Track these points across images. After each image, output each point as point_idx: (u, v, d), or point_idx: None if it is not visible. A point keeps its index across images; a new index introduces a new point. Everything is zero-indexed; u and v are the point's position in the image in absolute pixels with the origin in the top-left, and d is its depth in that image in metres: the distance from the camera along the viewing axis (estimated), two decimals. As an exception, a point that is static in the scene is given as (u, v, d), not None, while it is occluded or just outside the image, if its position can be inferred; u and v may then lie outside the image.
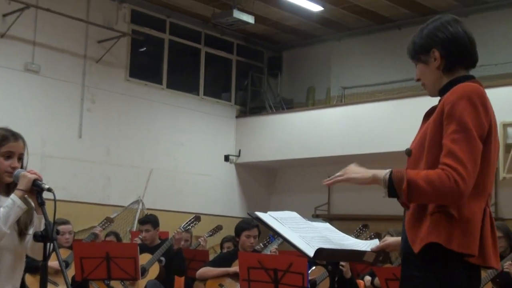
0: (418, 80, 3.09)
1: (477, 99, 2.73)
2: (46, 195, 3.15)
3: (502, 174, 11.93)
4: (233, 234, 7.47)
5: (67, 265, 6.96)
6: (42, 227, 3.10)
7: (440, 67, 2.93)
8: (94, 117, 15.92)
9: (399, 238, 3.13)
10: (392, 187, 2.73)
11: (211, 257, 8.56)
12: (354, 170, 2.91)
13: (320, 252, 3.01)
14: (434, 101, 3.04)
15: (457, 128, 2.68)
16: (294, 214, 3.30)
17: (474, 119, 2.69)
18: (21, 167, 3.27)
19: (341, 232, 3.40)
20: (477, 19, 15.07)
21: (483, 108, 2.74)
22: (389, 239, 3.27)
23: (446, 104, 2.75)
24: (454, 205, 2.69)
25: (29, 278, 6.72)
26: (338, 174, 2.96)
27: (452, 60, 2.92)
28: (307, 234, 3.12)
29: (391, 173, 2.74)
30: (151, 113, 17.03)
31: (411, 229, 2.78)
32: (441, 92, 2.96)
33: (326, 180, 3.02)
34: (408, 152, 2.93)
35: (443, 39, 2.90)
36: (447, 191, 2.64)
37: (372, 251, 3.18)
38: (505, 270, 5.98)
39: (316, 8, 16.59)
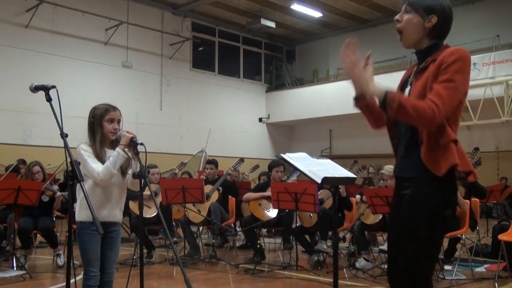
0: (399, 21, 2.60)
1: (468, 63, 2.44)
2: (139, 148, 3.17)
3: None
4: (267, 170, 7.47)
5: (156, 194, 7.03)
6: (138, 169, 3.14)
7: (428, 29, 2.55)
8: (170, 96, 15.98)
9: None
10: (383, 103, 2.36)
11: (252, 186, 8.59)
12: (363, 77, 2.44)
13: (325, 179, 2.99)
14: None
15: (448, 79, 2.38)
16: (304, 154, 3.25)
17: (463, 77, 2.40)
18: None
19: (339, 165, 3.35)
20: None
21: (469, 70, 2.45)
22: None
23: (445, 61, 2.41)
24: (425, 129, 2.43)
25: (131, 204, 6.82)
26: (352, 61, 2.48)
27: (439, 30, 2.56)
28: (314, 167, 3.09)
29: (386, 93, 2.37)
30: (208, 92, 17.04)
31: (430, 159, 2.42)
32: (424, 52, 2.59)
33: (343, 50, 2.55)
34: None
35: (445, 12, 2.56)
36: (426, 118, 2.32)
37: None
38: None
39: (317, 14, 16.46)
